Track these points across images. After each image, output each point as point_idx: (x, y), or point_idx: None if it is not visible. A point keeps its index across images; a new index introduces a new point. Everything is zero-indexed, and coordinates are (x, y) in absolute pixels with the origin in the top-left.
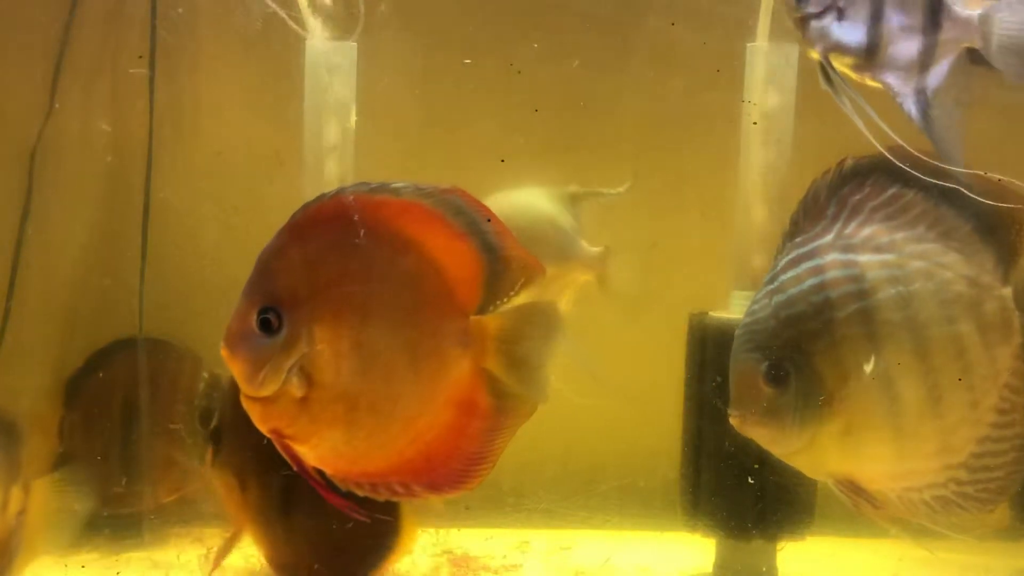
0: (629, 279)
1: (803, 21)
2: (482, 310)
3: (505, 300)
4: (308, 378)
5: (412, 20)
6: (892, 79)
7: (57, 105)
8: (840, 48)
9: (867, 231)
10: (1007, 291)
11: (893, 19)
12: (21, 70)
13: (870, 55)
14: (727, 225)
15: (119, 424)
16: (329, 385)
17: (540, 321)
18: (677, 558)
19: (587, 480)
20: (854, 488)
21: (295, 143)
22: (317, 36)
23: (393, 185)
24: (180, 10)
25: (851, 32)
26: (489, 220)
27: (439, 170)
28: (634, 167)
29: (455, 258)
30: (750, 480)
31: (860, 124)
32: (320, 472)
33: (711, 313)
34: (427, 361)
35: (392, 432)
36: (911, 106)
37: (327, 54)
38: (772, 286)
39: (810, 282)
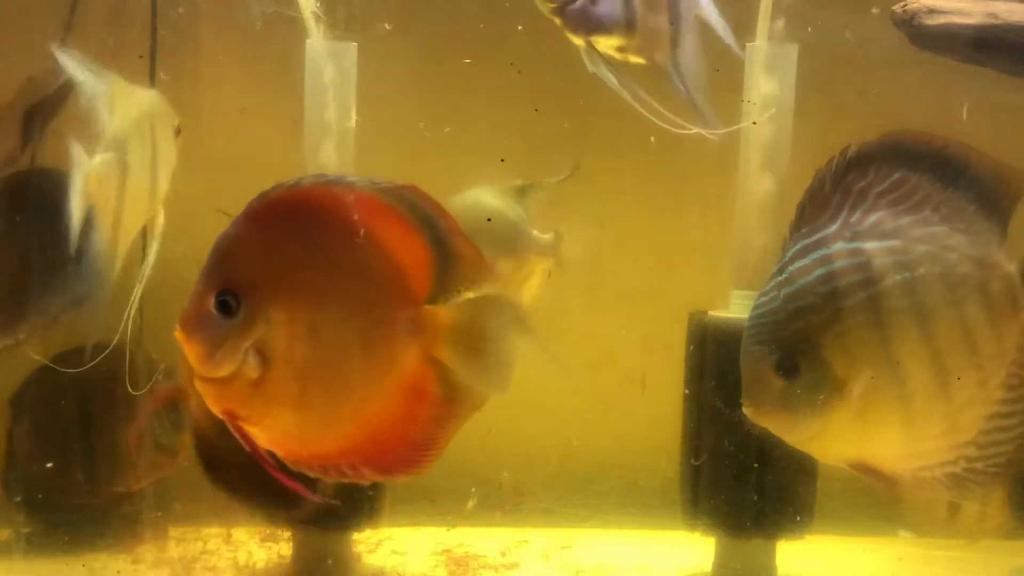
0: (581, 257)
1: (560, 10)
2: (432, 303)
3: (455, 295)
4: (264, 359)
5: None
6: (653, 54)
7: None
8: (601, 29)
9: (873, 218)
10: (1012, 268)
11: None
12: (21, 70)
13: (629, 32)
14: (727, 224)
15: (78, 422)
16: (284, 366)
17: (495, 314)
18: (677, 557)
19: (587, 479)
20: (867, 470)
21: (295, 143)
22: (317, 36)
23: (349, 178)
24: (180, 10)
25: (608, 12)
26: (441, 216)
27: (438, 169)
28: (575, 159)
29: (407, 250)
30: (749, 480)
31: (630, 100)
32: (272, 454)
33: (711, 312)
34: (378, 347)
35: (342, 415)
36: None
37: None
38: (781, 277)
39: (818, 272)
